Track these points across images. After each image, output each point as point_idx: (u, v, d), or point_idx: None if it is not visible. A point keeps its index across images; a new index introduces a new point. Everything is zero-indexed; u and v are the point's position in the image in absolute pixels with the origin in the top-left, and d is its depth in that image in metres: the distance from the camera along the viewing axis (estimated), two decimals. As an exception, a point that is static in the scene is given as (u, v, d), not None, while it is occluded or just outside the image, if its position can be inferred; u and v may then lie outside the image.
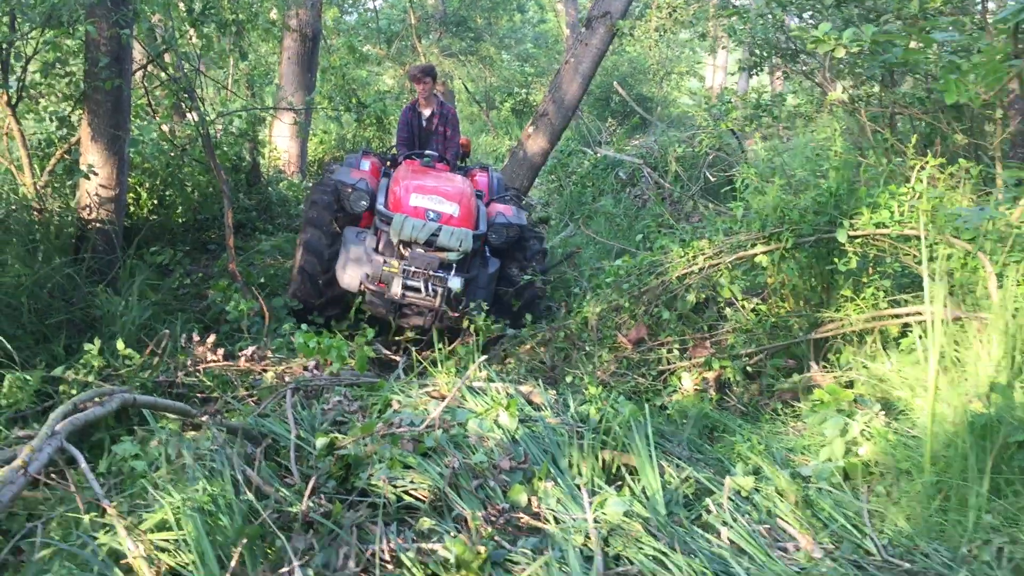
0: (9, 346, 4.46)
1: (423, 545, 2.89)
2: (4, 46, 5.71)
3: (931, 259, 4.62)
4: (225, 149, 8.34)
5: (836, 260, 4.86)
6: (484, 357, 4.29)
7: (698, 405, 4.61)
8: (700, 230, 5.61)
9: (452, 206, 6.39)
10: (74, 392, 4.19)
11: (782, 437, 4.35)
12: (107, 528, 2.72)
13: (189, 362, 4.82)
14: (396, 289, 6.12)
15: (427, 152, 7.58)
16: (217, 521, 2.78)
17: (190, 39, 7.21)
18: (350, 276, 6.39)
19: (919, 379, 4.48)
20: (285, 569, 2.60)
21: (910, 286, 5.20)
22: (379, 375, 5.02)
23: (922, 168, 4.68)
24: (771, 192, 5.09)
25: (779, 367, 5.02)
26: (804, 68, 8.64)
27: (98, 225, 6.11)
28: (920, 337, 4.39)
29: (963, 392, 3.67)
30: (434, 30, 21.90)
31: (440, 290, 6.06)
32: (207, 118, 6.48)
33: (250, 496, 3.00)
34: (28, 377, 4.19)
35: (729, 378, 5.02)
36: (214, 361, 4.91)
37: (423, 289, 6.06)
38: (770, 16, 8.64)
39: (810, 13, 8.51)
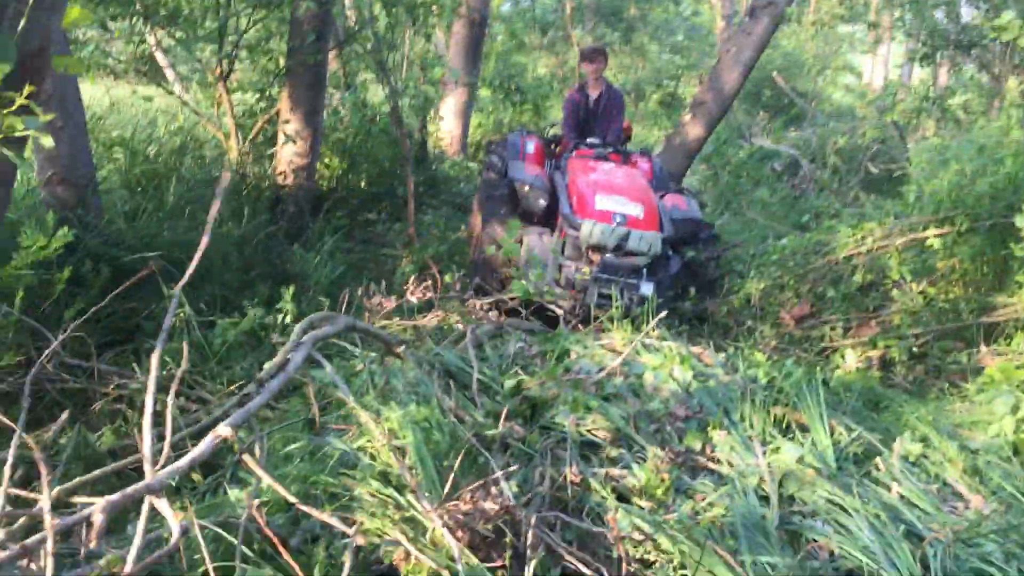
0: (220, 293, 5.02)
1: (611, 471, 3.16)
2: (219, 23, 6.33)
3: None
4: (407, 121, 8.79)
5: (1013, 245, 4.84)
6: (663, 314, 4.51)
7: (863, 380, 4.71)
8: (869, 214, 5.66)
9: (637, 207, 6.21)
10: (276, 335, 4.69)
11: (949, 413, 4.41)
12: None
13: (372, 310, 5.23)
14: (591, 298, 5.90)
15: (596, 142, 7.34)
16: (431, 435, 3.13)
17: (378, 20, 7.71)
18: (536, 279, 5.98)
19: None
20: (492, 478, 2.91)
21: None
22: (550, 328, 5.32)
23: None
24: (945, 176, 5.12)
25: (947, 349, 5.05)
26: (976, 60, 8.48)
27: (293, 190, 6.68)
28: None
29: None
30: (588, 19, 22.18)
31: (633, 297, 5.89)
32: (397, 89, 6.91)
33: (453, 419, 3.35)
34: (237, 321, 4.72)
35: (894, 357, 5.08)
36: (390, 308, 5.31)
37: (617, 297, 5.82)
38: (944, 6, 8.53)
39: (986, 4, 8.35)
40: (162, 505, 2.10)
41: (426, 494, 2.70)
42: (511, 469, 3.13)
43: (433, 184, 9.96)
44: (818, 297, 5.41)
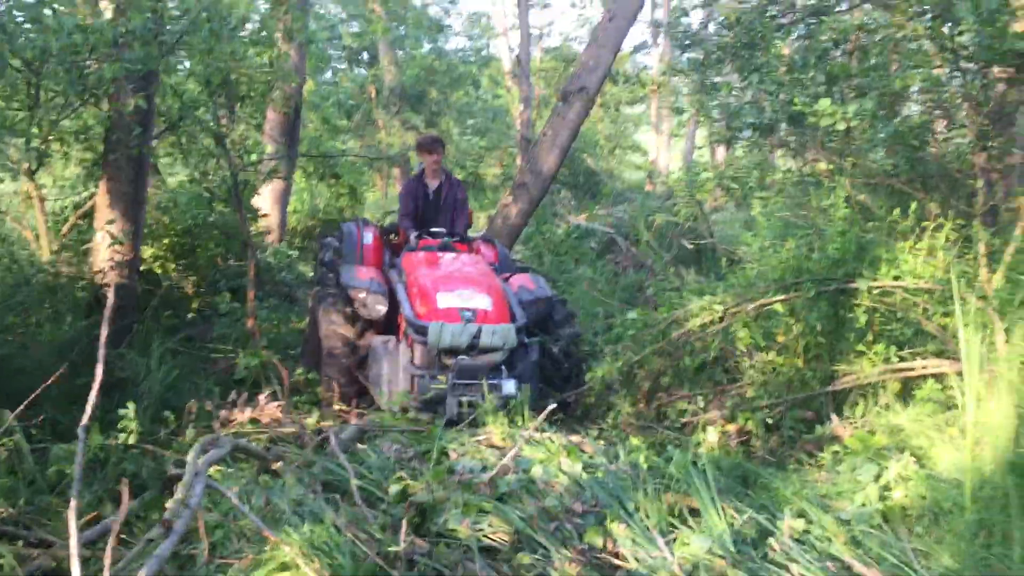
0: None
1: (528, 581, 3.00)
2: (27, 115, 5.81)
3: (945, 314, 4.96)
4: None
5: (857, 310, 5.13)
6: (552, 405, 4.43)
7: (730, 456, 4.80)
8: (712, 286, 5.88)
9: (484, 299, 5.92)
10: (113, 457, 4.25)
11: (813, 484, 4.56)
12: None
13: (221, 421, 4.88)
14: (451, 410, 5.48)
15: (440, 231, 7.07)
16: (333, 560, 2.86)
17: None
18: (389, 398, 5.76)
19: (937, 428, 4.77)
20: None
21: (911, 341, 5.53)
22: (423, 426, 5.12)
23: (936, 228, 5.03)
24: (785, 249, 5.40)
25: (798, 419, 5.25)
26: (780, 141, 9.12)
27: (114, 289, 6.16)
28: (940, 388, 4.69)
29: (998, 436, 3.92)
30: (393, 104, 22.34)
31: (495, 400, 5.36)
32: (237, 167, 6.56)
33: (351, 536, 3.09)
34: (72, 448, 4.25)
35: (751, 430, 5.23)
36: (249, 417, 4.99)
37: (480, 403, 5.37)
38: (750, 94, 9.16)
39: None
40: None
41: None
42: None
43: (258, 274, 9.53)
44: (675, 372, 5.51)
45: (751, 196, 9.23)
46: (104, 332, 3.82)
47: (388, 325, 6.30)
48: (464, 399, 5.49)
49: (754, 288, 5.43)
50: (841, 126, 5.51)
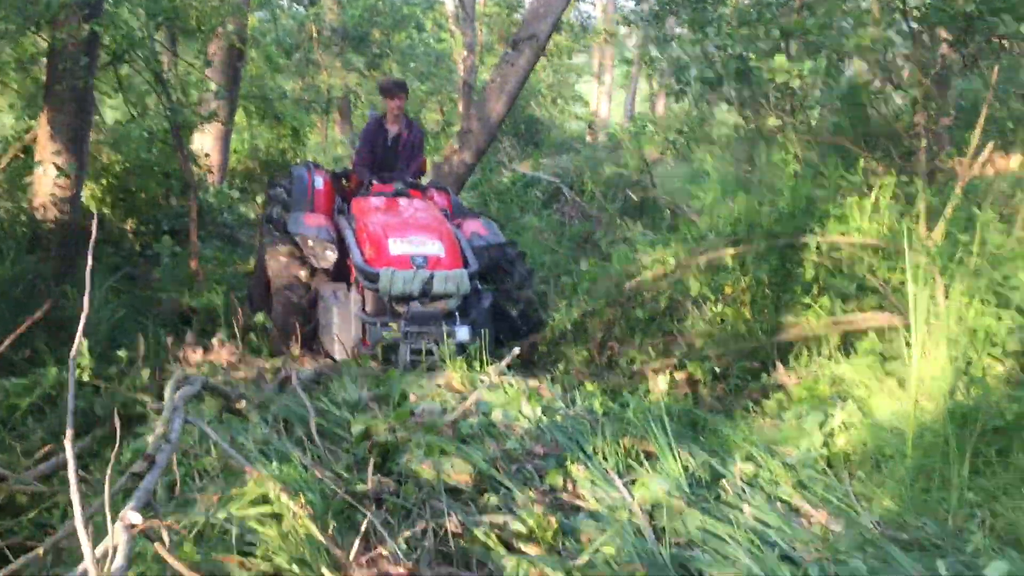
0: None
1: (494, 519, 3.06)
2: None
3: (888, 269, 5.13)
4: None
5: (806, 265, 5.26)
6: (516, 351, 4.47)
7: (680, 403, 4.92)
8: (664, 238, 5.97)
9: (436, 245, 5.83)
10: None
11: (760, 431, 4.71)
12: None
13: (179, 360, 4.83)
14: (404, 357, 5.41)
15: (395, 176, 6.87)
16: (305, 497, 2.88)
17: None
18: (340, 346, 5.71)
19: (877, 379, 4.96)
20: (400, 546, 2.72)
21: (854, 296, 5.71)
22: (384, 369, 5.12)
23: (881, 186, 5.17)
24: (738, 203, 5.49)
25: (744, 368, 5.40)
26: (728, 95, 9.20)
27: (55, 225, 6.00)
28: (881, 341, 4.87)
29: (938, 386, 4.10)
30: (334, 44, 21.87)
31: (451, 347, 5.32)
32: (178, 107, 6.39)
33: (320, 475, 3.11)
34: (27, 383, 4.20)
35: (699, 379, 5.37)
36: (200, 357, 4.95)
37: (433, 350, 5.29)
38: (699, 48, 9.20)
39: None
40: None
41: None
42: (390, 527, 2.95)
43: (199, 214, 9.35)
44: (626, 323, 5.60)
45: (696, 149, 9.36)
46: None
47: (339, 273, 6.19)
48: (416, 347, 5.38)
49: (706, 241, 5.53)
50: (795, 83, 5.59)
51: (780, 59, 5.62)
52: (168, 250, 6.83)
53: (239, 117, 12.73)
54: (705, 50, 9.34)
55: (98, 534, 2.48)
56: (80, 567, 2.07)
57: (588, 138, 26.34)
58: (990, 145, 6.02)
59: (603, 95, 31.67)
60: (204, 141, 11.05)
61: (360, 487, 3.13)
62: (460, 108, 23.19)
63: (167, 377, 4.76)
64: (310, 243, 6.01)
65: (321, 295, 5.89)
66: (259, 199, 12.91)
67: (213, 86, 9.09)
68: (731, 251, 5.38)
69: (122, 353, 4.46)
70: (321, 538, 2.45)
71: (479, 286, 6.08)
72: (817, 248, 5.20)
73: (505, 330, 6.21)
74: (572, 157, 14.05)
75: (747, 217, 5.39)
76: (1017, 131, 7.86)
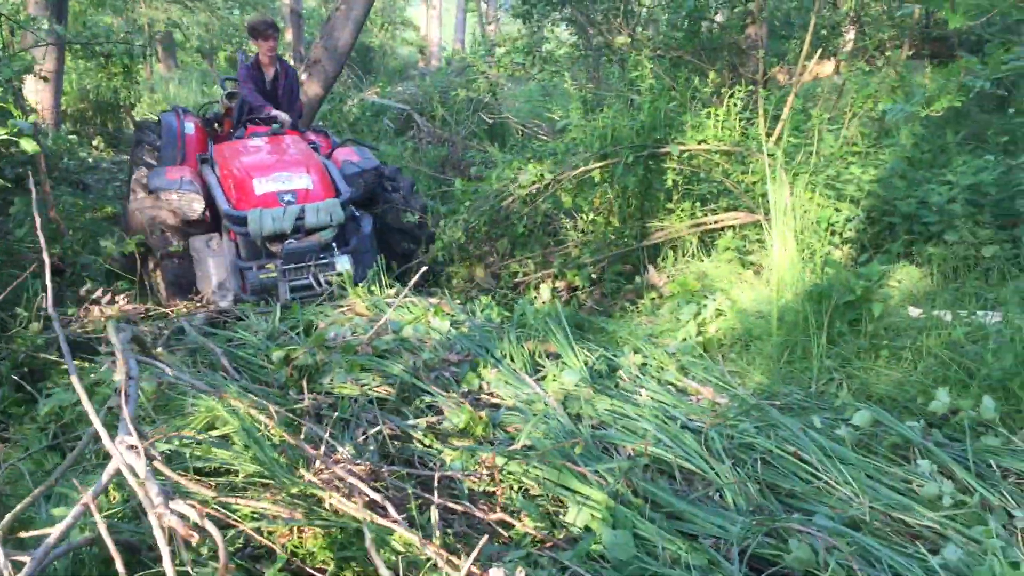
0: None
1: (428, 420, 3.33)
2: None
3: (742, 172, 5.63)
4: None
5: (671, 173, 5.69)
6: (424, 268, 4.67)
7: (564, 309, 5.29)
8: (537, 152, 6.25)
9: (304, 179, 5.69)
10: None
11: (640, 326, 5.16)
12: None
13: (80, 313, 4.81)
14: (284, 295, 5.35)
15: (273, 115, 6.64)
16: (249, 417, 3.06)
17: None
18: (222, 295, 5.52)
19: (737, 272, 5.49)
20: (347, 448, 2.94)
21: (711, 199, 6.22)
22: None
23: (730, 96, 5.62)
24: (600, 119, 5.84)
25: (618, 272, 5.83)
26: (572, 16, 9.51)
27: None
28: (737, 238, 5.39)
29: (794, 270, 4.63)
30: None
31: (332, 279, 5.37)
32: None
33: (254, 398, 3.28)
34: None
35: (578, 285, 5.76)
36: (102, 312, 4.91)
37: (313, 284, 5.38)
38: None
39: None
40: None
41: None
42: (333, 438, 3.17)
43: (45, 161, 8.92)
44: (508, 239, 5.90)
45: (535, 70, 9.66)
46: None
47: (216, 224, 5.97)
48: (295, 283, 5.39)
49: (574, 156, 5.86)
50: (647, 2, 5.94)
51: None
52: (22, 209, 6.56)
53: (66, 57, 12.03)
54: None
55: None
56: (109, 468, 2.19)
57: (420, 63, 26.21)
58: (816, 53, 6.58)
59: (432, 19, 31.38)
60: (31, 83, 10.44)
61: (299, 405, 3.32)
62: (288, 36, 22.54)
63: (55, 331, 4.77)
64: (174, 197, 5.75)
65: (193, 247, 5.71)
66: (96, 142, 12.39)
67: (46, 24, 8.59)
68: (598, 165, 5.74)
69: (21, 310, 4.41)
70: (294, 441, 2.64)
71: (356, 212, 6.05)
72: (679, 157, 5.62)
73: (397, 251, 6.23)
74: (418, 83, 14.07)
75: (612, 131, 5.74)
76: (829, 38, 8.57)
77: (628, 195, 5.96)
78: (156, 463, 2.17)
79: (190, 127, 6.74)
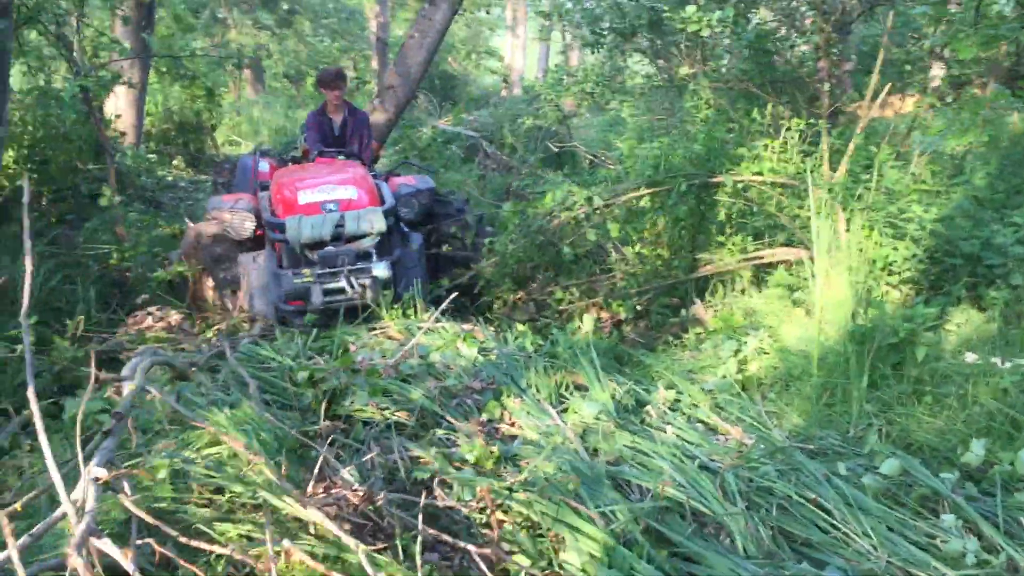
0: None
1: (443, 450, 3.29)
2: None
3: (796, 207, 5.47)
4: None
5: (715, 207, 5.58)
6: (452, 295, 4.66)
7: (605, 340, 5.21)
8: (587, 180, 6.20)
9: (348, 190, 5.65)
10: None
11: (680, 362, 5.04)
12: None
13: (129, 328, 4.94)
14: (317, 299, 5.31)
15: (334, 151, 6.71)
16: (258, 436, 3.07)
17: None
18: (261, 306, 5.57)
19: (786, 309, 5.32)
20: (349, 473, 2.93)
21: (764, 233, 6.06)
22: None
23: (788, 128, 5.49)
24: (656, 146, 5.76)
25: (664, 305, 5.72)
26: (642, 46, 9.47)
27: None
28: (790, 274, 5.23)
29: (840, 310, 4.46)
30: (244, 2, 21.48)
31: (366, 282, 5.32)
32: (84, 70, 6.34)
33: (269, 418, 3.30)
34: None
35: (622, 317, 5.67)
36: (148, 326, 5.04)
37: (347, 287, 5.30)
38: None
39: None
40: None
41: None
42: (342, 462, 3.16)
43: (118, 178, 9.26)
44: (553, 265, 5.84)
45: (611, 100, 9.62)
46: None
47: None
48: (329, 286, 5.32)
49: (625, 184, 5.78)
50: (705, 32, 5.86)
51: (690, 9, 5.87)
52: (108, 199, 6.82)
53: (152, 77, 12.49)
54: (618, 1, 9.59)
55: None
56: (58, 512, 2.22)
57: (503, 92, 26.45)
58: (887, 87, 6.37)
59: (517, 48, 31.66)
60: (117, 104, 10.88)
61: (312, 427, 3.33)
62: (374, 64, 23.03)
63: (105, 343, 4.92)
64: (227, 216, 5.84)
65: (240, 263, 5.76)
66: (176, 162, 12.81)
67: (128, 45, 8.94)
68: (649, 191, 5.65)
69: (71, 323, 4.55)
70: (274, 478, 2.62)
71: (403, 227, 6.00)
72: (732, 187, 5.50)
73: (448, 277, 6.13)
74: (491, 111, 14.19)
75: (664, 160, 5.66)
76: (912, 73, 8.33)
77: (679, 226, 5.85)
78: (122, 496, 2.17)
79: (264, 166, 6.80)
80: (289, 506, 2.53)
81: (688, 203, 5.60)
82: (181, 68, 12.34)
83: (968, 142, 4.66)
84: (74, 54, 6.45)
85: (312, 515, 2.45)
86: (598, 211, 5.69)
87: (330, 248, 5.40)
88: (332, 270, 5.33)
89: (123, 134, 10.52)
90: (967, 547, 2.73)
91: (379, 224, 5.47)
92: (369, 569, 2.09)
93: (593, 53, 9.73)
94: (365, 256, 5.42)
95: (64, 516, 2.18)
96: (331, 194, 5.60)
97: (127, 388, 2.72)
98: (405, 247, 5.85)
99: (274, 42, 21.56)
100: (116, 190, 6.61)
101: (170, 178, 11.50)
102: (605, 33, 9.67)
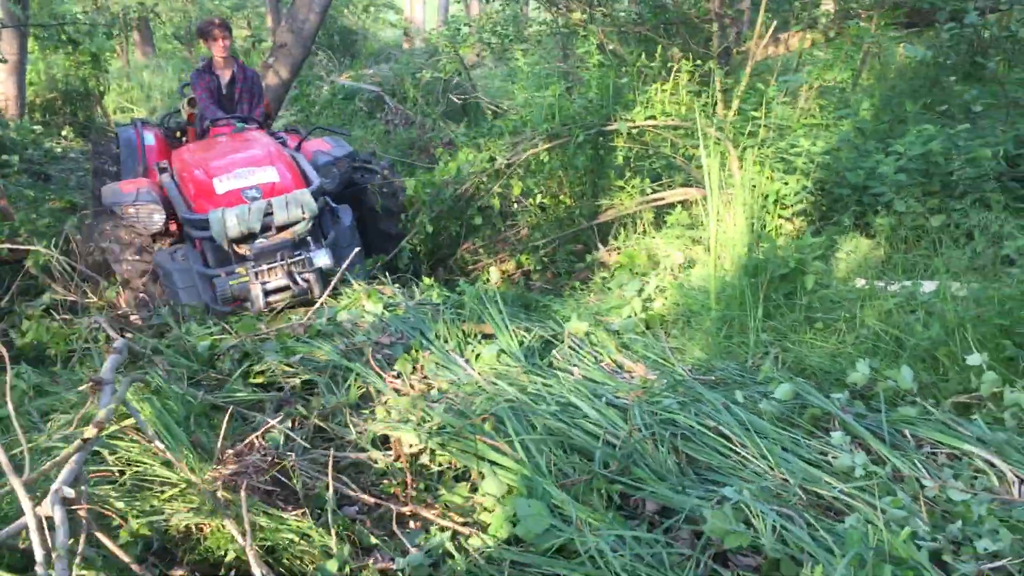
0: None
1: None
2: None
3: (691, 147, 5.61)
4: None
5: (612, 153, 5.67)
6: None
7: (513, 289, 5.29)
8: (485, 133, 6.21)
9: (269, 172, 5.18)
10: None
11: (587, 305, 5.15)
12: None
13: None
14: (259, 302, 4.85)
15: (233, 116, 6.19)
16: (166, 406, 3.06)
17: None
18: (190, 302, 5.04)
19: (685, 247, 5.48)
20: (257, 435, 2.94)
21: (661, 175, 6.20)
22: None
23: (678, 70, 5.59)
24: (548, 96, 5.81)
25: (571, 252, 5.82)
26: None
27: None
28: (687, 213, 5.38)
29: (735, 247, 4.62)
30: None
31: (311, 276, 4.89)
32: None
33: (177, 389, 3.28)
34: None
35: (530, 268, 5.75)
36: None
37: (290, 284, 4.88)
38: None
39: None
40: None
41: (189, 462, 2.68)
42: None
43: (1, 151, 8.90)
44: (463, 226, 5.89)
45: (510, 49, 9.62)
46: None
47: (182, 236, 5.53)
48: (270, 285, 4.88)
49: (522, 136, 5.83)
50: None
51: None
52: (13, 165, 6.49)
53: (32, 45, 11.94)
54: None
55: None
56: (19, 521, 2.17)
57: (405, 45, 26.06)
58: (773, 24, 6.53)
59: (416, 0, 31.16)
60: (-5, 73, 10.41)
61: (226, 396, 3.33)
62: (268, 22, 22.42)
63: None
64: (131, 210, 5.26)
65: (157, 262, 5.19)
66: (64, 132, 12.32)
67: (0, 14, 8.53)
68: (547, 146, 5.72)
69: None
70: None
71: (333, 204, 5.62)
72: (628, 134, 5.59)
73: (382, 241, 5.94)
74: (392, 66, 14.01)
75: (559, 110, 5.72)
76: (802, 9, 8.52)
77: (579, 175, 5.93)
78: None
79: (150, 138, 6.30)
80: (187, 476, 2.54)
81: (585, 152, 5.67)
82: (61, 34, 11.86)
83: (836, 77, 4.83)
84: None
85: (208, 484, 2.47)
86: (499, 172, 5.71)
87: (262, 241, 4.94)
88: (269, 266, 4.91)
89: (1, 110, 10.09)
90: (856, 461, 2.90)
91: (311, 208, 5.03)
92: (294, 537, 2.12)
93: (488, 2, 9.67)
94: (301, 244, 5.02)
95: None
96: (251, 179, 5.13)
97: (107, 396, 2.66)
98: (337, 225, 5.45)
99: (159, 2, 20.71)
100: None
101: (59, 149, 11.08)
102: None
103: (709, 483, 2.96)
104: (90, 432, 2.27)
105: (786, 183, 5.37)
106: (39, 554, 1.97)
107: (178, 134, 6.75)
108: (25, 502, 2.07)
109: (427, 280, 4.94)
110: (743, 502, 2.63)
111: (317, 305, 4.10)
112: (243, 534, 2.26)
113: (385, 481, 2.87)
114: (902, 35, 7.89)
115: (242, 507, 2.37)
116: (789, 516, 2.61)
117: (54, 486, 2.16)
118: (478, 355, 3.88)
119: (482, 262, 5.79)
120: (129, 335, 4.15)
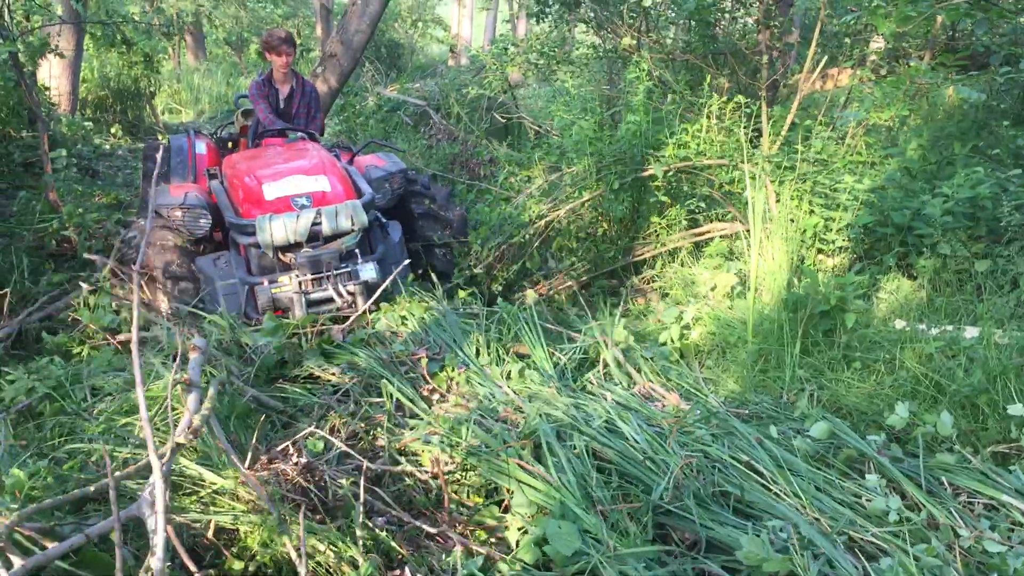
0: None
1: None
2: None
3: (730, 181, 5.60)
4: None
5: (657, 192, 5.70)
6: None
7: (551, 307, 5.31)
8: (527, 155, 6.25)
9: (320, 181, 5.04)
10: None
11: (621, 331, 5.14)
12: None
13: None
14: (301, 312, 4.65)
15: (290, 127, 6.10)
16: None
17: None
18: (233, 310, 4.80)
19: (722, 279, 5.46)
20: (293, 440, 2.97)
21: (700, 207, 6.20)
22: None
23: (725, 103, 5.60)
24: (586, 123, 5.85)
25: (603, 287, 5.87)
26: (587, 17, 9.50)
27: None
28: (725, 245, 5.37)
29: (775, 278, 4.60)
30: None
31: (355, 289, 4.73)
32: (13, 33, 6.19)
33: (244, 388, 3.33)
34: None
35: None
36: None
37: (335, 297, 4.72)
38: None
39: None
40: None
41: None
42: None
43: (52, 145, 9.05)
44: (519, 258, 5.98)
45: (556, 70, 9.67)
46: None
47: (227, 243, 5.41)
48: (313, 296, 4.74)
49: (560, 184, 5.88)
50: (648, 2, 5.93)
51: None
52: (63, 159, 6.64)
53: (88, 43, 12.18)
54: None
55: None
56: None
57: (450, 61, 26.27)
58: (823, 60, 6.51)
59: (464, 18, 31.41)
60: (52, 69, 10.62)
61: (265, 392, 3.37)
62: (318, 32, 22.70)
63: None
64: (178, 213, 5.20)
65: (199, 268, 5.06)
66: (114, 130, 12.53)
67: (60, 10, 8.71)
68: (587, 197, 5.76)
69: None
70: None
71: (383, 219, 5.47)
72: (664, 174, 5.61)
73: (432, 261, 5.88)
74: (438, 81, 14.13)
75: (593, 144, 5.77)
76: (852, 46, 8.49)
77: (619, 222, 5.98)
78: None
79: (201, 147, 6.21)
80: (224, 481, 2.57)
81: (624, 202, 5.69)
82: (116, 34, 12.08)
83: (892, 116, 4.80)
84: (3, 19, 6.26)
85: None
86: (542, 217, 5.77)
87: (309, 251, 4.79)
88: (314, 276, 4.77)
89: (52, 104, 10.28)
90: (890, 505, 2.87)
91: (361, 219, 4.86)
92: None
93: (538, 23, 9.73)
94: (348, 257, 4.87)
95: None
96: (301, 186, 4.98)
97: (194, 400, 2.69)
98: (386, 240, 5.33)
99: (215, 7, 21.09)
100: (49, 159, 6.45)
101: (107, 146, 11.27)
102: (550, 3, 9.69)
103: (742, 516, 2.94)
104: (182, 439, 2.32)
105: (832, 219, 5.34)
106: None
107: (229, 144, 6.70)
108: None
109: (462, 292, 4.97)
110: (788, 533, 2.61)
111: (360, 311, 4.12)
112: (299, 556, 2.27)
113: (417, 496, 2.88)
114: (956, 77, 7.85)
115: (300, 528, 2.38)
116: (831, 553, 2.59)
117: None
118: (509, 373, 3.88)
119: (524, 288, 5.84)
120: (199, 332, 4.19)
